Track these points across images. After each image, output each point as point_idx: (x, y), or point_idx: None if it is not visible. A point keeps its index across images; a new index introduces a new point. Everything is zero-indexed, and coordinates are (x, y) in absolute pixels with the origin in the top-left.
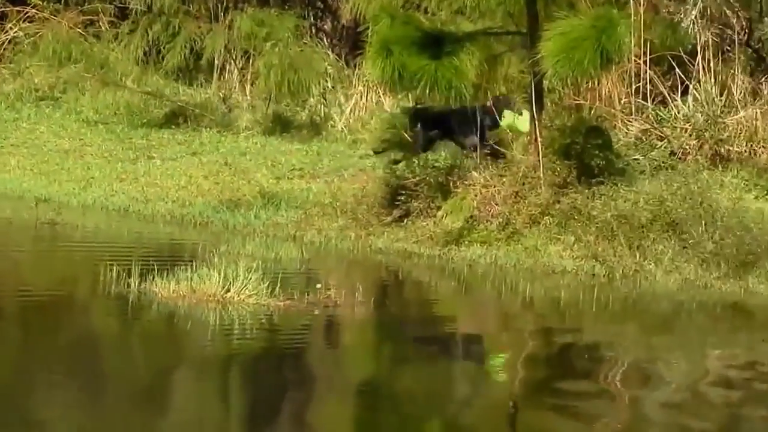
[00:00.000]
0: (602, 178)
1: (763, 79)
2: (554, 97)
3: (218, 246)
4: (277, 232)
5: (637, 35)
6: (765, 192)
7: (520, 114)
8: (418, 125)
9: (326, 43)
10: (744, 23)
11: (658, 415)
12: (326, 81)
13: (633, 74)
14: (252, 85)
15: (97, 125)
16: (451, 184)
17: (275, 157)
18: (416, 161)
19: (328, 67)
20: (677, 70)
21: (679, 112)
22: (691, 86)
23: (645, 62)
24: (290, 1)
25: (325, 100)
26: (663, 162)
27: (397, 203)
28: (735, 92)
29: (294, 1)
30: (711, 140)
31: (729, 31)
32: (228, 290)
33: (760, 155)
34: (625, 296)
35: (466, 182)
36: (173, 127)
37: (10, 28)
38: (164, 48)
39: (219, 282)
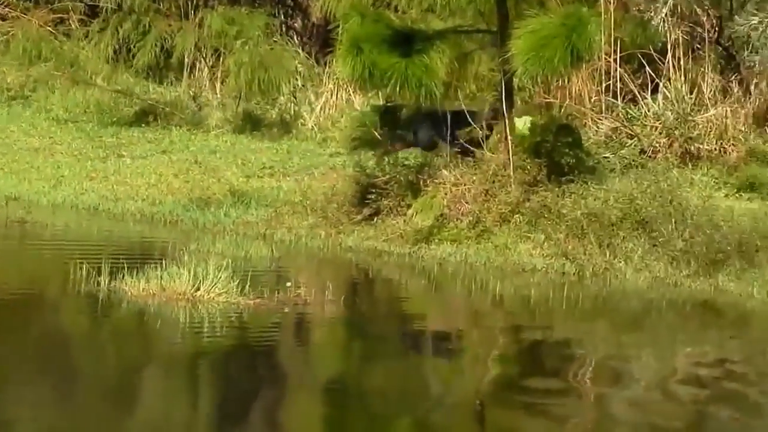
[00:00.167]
0: (572, 176)
1: (733, 77)
2: (524, 95)
3: (188, 244)
4: (247, 231)
5: (608, 33)
6: (735, 190)
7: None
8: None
9: (297, 41)
10: (714, 21)
11: (627, 413)
12: (296, 79)
13: (603, 72)
14: (222, 83)
15: (67, 124)
16: (421, 182)
17: (245, 156)
18: (387, 159)
19: (299, 66)
20: (647, 68)
21: (649, 110)
22: (661, 84)
23: (615, 60)
24: None
25: (296, 98)
26: (633, 160)
27: (367, 201)
28: (705, 90)
29: None
30: (681, 138)
31: (699, 29)
32: (198, 288)
33: (729, 153)
34: (595, 294)
35: (436, 181)
36: (143, 125)
37: None
38: (134, 46)
39: (189, 280)
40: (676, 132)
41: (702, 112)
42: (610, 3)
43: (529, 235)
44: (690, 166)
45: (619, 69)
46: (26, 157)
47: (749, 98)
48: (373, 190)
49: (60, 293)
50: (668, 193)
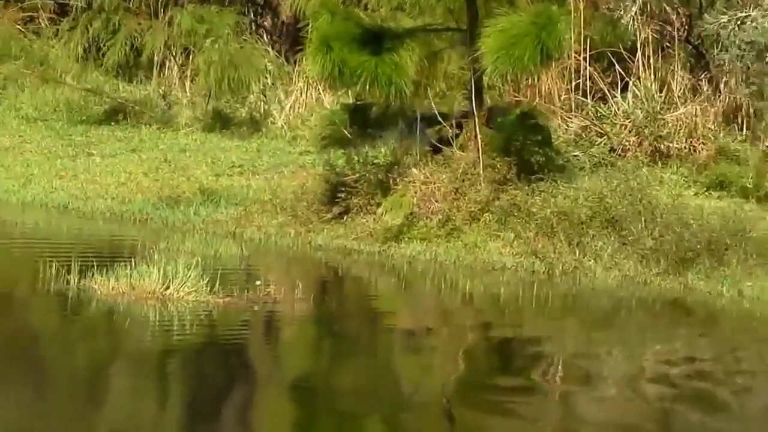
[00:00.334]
0: (542, 174)
1: (703, 75)
2: (494, 93)
3: (158, 243)
4: (216, 229)
5: (577, 32)
6: (704, 188)
7: None
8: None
9: (266, 39)
10: (684, 20)
11: (595, 411)
12: (266, 78)
13: (573, 71)
14: (192, 81)
15: (36, 122)
16: (390, 180)
17: (215, 154)
18: (356, 158)
19: (268, 64)
20: (617, 66)
21: (618, 109)
22: (630, 83)
23: (585, 59)
24: None
25: (265, 96)
26: (603, 158)
27: (336, 200)
28: (675, 89)
29: None
30: (651, 137)
31: (669, 28)
32: (167, 287)
33: (699, 152)
34: (565, 293)
35: (405, 179)
36: (113, 123)
37: None
38: (104, 45)
39: (158, 279)
40: (646, 130)
41: (672, 111)
42: (579, 1)
43: (498, 233)
44: (660, 165)
45: (588, 67)
46: None
47: (719, 96)
48: (343, 189)
49: (29, 292)
50: (638, 192)
